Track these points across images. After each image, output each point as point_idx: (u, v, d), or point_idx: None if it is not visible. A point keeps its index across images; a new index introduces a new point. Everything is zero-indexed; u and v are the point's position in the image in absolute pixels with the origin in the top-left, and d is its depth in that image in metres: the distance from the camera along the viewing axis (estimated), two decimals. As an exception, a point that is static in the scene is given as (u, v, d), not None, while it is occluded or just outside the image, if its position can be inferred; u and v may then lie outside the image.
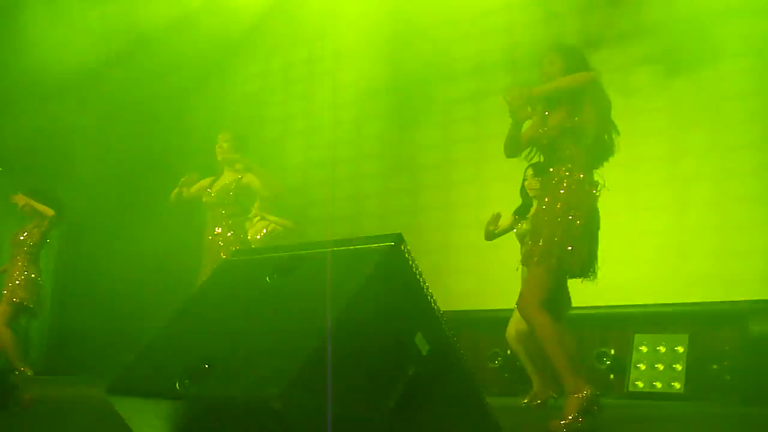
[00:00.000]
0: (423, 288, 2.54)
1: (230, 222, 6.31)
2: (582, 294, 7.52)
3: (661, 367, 7.02)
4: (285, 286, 2.63)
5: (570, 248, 4.21)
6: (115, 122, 10.25)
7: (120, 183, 10.59)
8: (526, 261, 4.48)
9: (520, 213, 6.46)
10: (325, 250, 2.69)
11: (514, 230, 6.43)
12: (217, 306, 2.80)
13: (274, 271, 2.70)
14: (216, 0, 9.94)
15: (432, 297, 2.56)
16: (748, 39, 7.01)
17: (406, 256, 2.51)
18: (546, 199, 4.39)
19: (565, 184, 4.31)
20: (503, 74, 7.95)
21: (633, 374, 7.12)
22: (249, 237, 6.76)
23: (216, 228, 6.31)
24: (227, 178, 6.40)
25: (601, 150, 4.45)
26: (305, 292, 2.51)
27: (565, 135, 4.34)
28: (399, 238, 2.51)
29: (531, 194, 6.25)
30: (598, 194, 4.36)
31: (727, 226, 6.97)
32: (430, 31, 9.03)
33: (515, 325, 6.19)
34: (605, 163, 4.44)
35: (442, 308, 2.62)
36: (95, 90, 9.90)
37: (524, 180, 6.42)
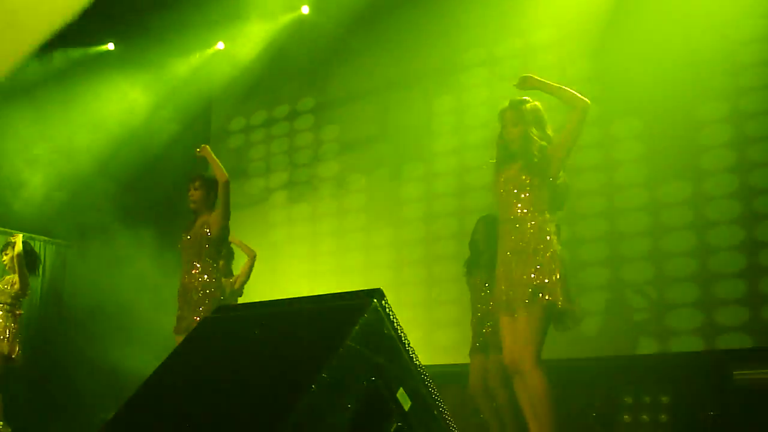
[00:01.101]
0: (404, 343, 2.54)
1: (199, 265, 6.23)
2: (565, 346, 7.58)
3: (646, 418, 7.00)
4: (267, 343, 2.63)
5: (555, 278, 4.25)
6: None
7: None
8: (508, 307, 4.47)
9: (471, 263, 6.65)
10: (307, 306, 2.70)
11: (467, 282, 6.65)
12: (199, 362, 2.79)
13: (256, 327, 2.71)
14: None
15: (413, 352, 2.56)
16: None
17: (388, 311, 2.52)
18: (512, 238, 4.44)
19: (529, 226, 4.40)
20: (484, 128, 8.03)
21: (619, 426, 7.10)
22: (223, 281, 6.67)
23: (189, 271, 6.22)
24: (199, 221, 6.33)
25: (561, 194, 4.57)
26: (288, 349, 2.51)
27: (532, 172, 4.45)
28: (380, 294, 2.52)
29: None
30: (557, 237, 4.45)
31: (708, 276, 7.01)
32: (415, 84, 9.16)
33: (481, 379, 6.18)
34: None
35: (426, 362, 2.63)
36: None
37: (474, 233, 6.63)
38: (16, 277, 7.92)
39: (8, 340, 7.71)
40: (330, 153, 9.81)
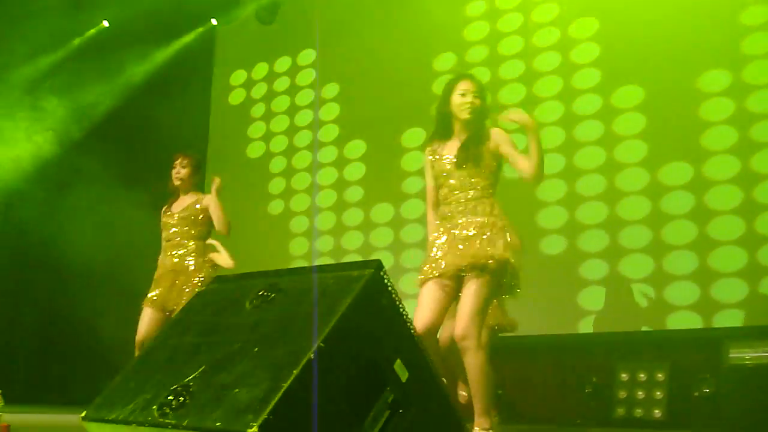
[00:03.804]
0: (403, 314, 2.54)
1: (192, 245, 6.18)
2: (563, 321, 7.58)
3: (641, 394, 7.02)
4: (266, 313, 2.62)
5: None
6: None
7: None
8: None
9: None
10: (306, 276, 2.69)
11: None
12: (196, 333, 2.78)
13: (254, 297, 2.70)
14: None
15: (411, 323, 2.55)
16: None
17: (386, 282, 2.51)
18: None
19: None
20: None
21: (614, 402, 7.12)
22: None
23: (176, 251, 6.16)
24: (187, 200, 6.27)
25: None
26: (286, 319, 2.51)
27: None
28: (379, 265, 2.52)
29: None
30: None
31: (706, 252, 7.01)
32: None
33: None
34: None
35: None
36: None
37: None
38: None
39: None
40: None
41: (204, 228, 6.19)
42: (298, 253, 9.58)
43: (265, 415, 2.08)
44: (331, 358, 2.27)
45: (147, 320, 6.01)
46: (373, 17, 9.48)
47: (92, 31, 10.97)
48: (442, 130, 4.53)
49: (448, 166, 4.43)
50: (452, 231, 4.34)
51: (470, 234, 4.27)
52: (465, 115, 4.43)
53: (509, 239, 4.29)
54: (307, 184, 9.76)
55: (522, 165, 4.36)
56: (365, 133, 9.36)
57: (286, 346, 2.32)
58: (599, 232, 7.54)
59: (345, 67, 9.67)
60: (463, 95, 4.43)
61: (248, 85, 10.64)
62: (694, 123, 7.23)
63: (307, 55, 10.13)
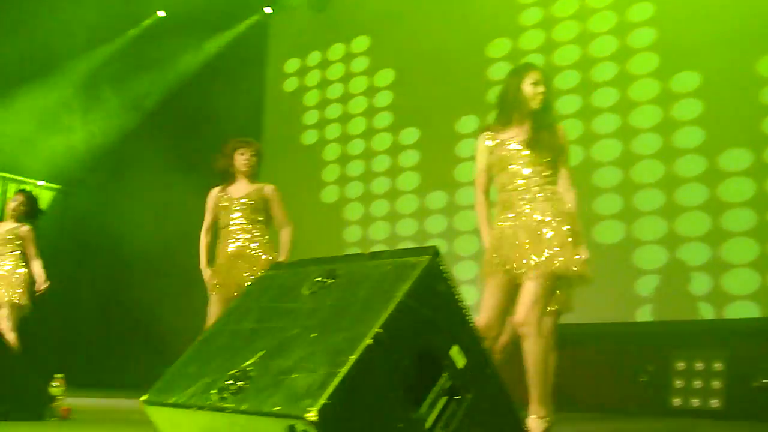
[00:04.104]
0: (459, 301, 2.53)
1: (256, 231, 6.22)
2: (619, 309, 7.51)
3: (698, 384, 6.95)
4: (323, 299, 2.64)
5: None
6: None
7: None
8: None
9: None
10: (363, 263, 2.70)
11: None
12: (254, 319, 2.81)
13: (312, 283, 2.72)
14: None
15: (468, 309, 2.55)
16: None
17: (443, 269, 2.51)
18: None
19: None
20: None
21: (670, 392, 7.05)
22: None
23: (238, 236, 6.18)
24: (248, 186, 6.29)
25: None
26: (343, 305, 2.52)
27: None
28: (435, 252, 2.51)
29: None
30: None
31: (766, 240, 6.90)
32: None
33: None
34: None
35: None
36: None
37: None
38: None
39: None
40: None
41: (267, 216, 6.23)
42: (352, 240, 9.63)
43: (323, 400, 2.09)
44: (388, 344, 2.28)
45: (217, 307, 6.06)
46: (427, 3, 9.46)
47: (147, 21, 11.12)
48: (504, 118, 4.52)
49: (513, 152, 4.41)
50: (515, 221, 4.33)
51: (536, 221, 4.26)
52: (536, 105, 4.42)
53: (574, 229, 4.28)
54: (361, 172, 9.78)
55: (565, 183, 4.46)
56: (419, 119, 9.35)
57: (344, 332, 2.33)
58: (656, 219, 7.47)
59: (398, 54, 9.67)
60: (535, 85, 4.43)
61: (302, 72, 10.68)
62: (754, 108, 7.11)
63: (361, 42, 10.14)
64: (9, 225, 7.83)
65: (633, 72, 7.84)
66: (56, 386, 5.61)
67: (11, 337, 7.40)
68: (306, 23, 10.66)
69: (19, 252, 7.80)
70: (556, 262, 4.16)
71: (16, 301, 7.58)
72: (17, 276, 7.70)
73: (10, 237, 7.80)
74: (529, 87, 4.44)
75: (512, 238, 4.28)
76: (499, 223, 4.41)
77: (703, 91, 7.41)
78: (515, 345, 4.57)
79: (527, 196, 4.35)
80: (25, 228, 7.81)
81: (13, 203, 7.90)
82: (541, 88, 4.42)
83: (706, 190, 7.24)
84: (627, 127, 7.74)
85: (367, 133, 9.83)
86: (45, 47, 9.79)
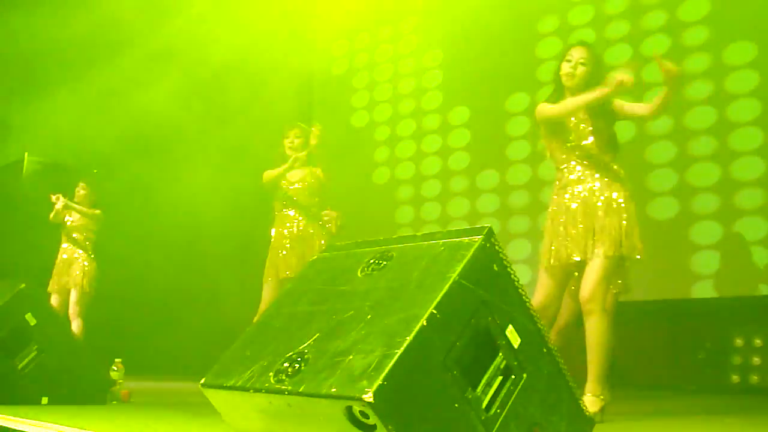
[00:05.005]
0: (514, 280, 2.52)
1: (313, 213, 6.28)
2: (676, 285, 7.42)
3: (758, 360, 6.85)
4: (377, 281, 2.64)
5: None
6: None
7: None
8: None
9: None
10: (416, 243, 2.70)
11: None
12: (309, 301, 2.82)
13: (366, 265, 2.73)
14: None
15: (523, 289, 2.54)
16: None
17: (497, 248, 2.50)
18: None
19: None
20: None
21: (728, 369, 6.97)
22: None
23: (296, 219, 6.24)
24: (303, 171, 6.34)
25: None
26: (398, 286, 2.52)
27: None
28: (490, 231, 2.50)
29: None
30: None
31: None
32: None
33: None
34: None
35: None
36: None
37: None
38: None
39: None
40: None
41: (321, 198, 6.30)
42: (404, 221, 9.63)
43: (379, 382, 2.10)
44: (443, 325, 2.27)
45: (272, 290, 6.13)
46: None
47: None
48: (555, 96, 4.54)
49: (571, 125, 4.41)
50: (573, 202, 4.33)
51: (599, 202, 4.26)
52: (568, 82, 4.47)
53: (633, 210, 4.29)
54: (412, 152, 9.78)
55: (641, 109, 4.47)
56: (469, 99, 9.30)
57: (399, 313, 2.33)
58: (711, 194, 7.35)
59: (447, 34, 9.61)
60: (569, 62, 4.44)
61: (350, 54, 10.68)
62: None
63: (409, 23, 10.10)
64: (76, 214, 7.99)
65: (687, 44, 7.70)
66: (116, 370, 5.71)
67: (77, 323, 7.57)
68: (354, 5, 10.63)
69: (84, 238, 7.97)
70: (621, 244, 4.18)
71: (84, 288, 7.74)
72: (85, 263, 7.86)
73: (78, 224, 7.97)
74: (564, 64, 4.45)
75: (573, 222, 4.29)
76: (555, 197, 4.44)
77: (759, 62, 7.26)
78: (572, 327, 4.56)
79: (584, 172, 4.35)
80: (96, 212, 8.00)
81: (81, 192, 8.06)
82: (573, 67, 4.43)
83: (763, 163, 7.11)
84: (679, 101, 7.62)
85: (417, 114, 9.81)
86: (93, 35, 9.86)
